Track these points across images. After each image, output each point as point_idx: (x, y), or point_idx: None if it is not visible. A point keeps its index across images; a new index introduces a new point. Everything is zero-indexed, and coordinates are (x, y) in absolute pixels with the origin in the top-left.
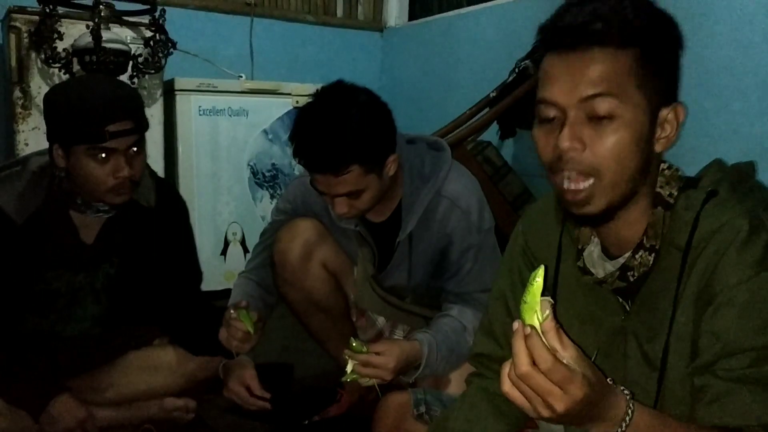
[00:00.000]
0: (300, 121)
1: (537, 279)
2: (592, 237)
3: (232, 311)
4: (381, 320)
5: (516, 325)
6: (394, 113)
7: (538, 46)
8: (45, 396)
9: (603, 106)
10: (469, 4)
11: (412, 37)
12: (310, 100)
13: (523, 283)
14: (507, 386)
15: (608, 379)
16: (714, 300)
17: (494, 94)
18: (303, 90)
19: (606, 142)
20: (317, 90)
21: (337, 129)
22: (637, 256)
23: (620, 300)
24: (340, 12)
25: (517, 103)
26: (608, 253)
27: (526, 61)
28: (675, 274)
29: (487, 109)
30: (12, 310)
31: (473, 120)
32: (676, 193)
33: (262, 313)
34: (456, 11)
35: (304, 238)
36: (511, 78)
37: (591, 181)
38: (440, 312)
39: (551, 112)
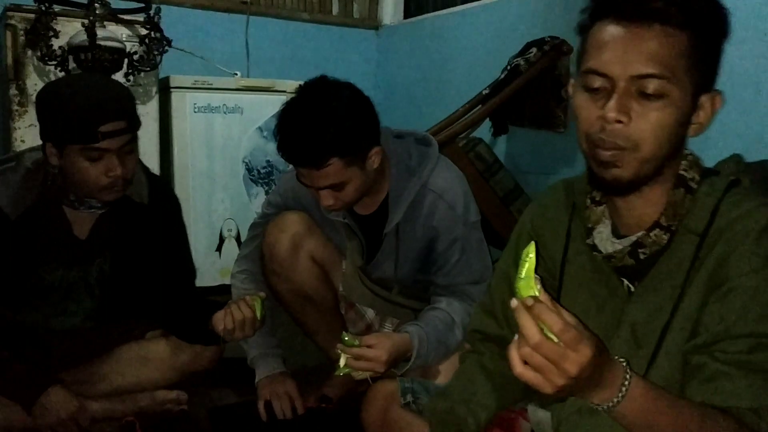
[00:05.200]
0: (282, 116)
1: (530, 255)
2: (604, 218)
3: (247, 297)
4: (370, 313)
5: (515, 302)
6: (389, 110)
7: (590, 8)
8: (38, 389)
9: (654, 85)
10: (463, 3)
11: (407, 35)
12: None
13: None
14: (519, 367)
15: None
16: (724, 284)
17: (487, 91)
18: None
19: (651, 118)
20: (300, 85)
21: (316, 123)
22: (652, 234)
23: (625, 283)
24: (335, 10)
25: (510, 100)
26: (618, 235)
27: (519, 59)
28: (688, 258)
29: (479, 106)
30: (5, 304)
31: (466, 117)
32: (698, 178)
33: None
34: (450, 9)
35: (292, 230)
36: (503, 75)
37: (627, 151)
38: (429, 305)
39: (598, 82)
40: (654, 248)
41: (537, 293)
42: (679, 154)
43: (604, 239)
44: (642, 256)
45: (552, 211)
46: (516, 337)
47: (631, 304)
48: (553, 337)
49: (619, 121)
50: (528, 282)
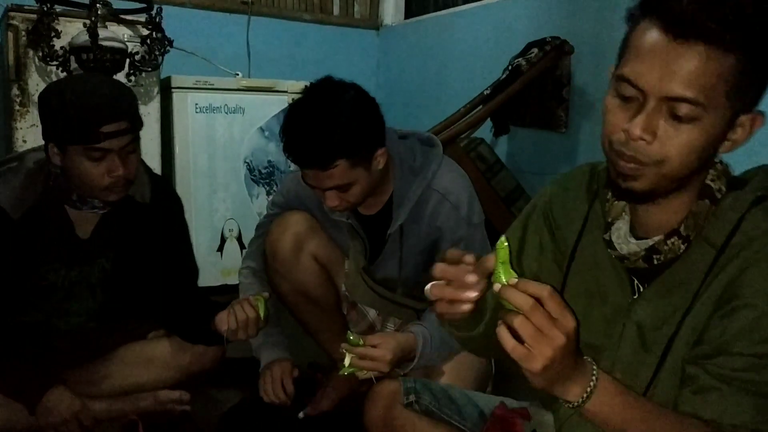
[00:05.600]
0: (288, 117)
1: (505, 243)
2: (624, 214)
3: (251, 297)
4: (372, 313)
5: (497, 286)
6: (391, 111)
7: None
8: (41, 388)
9: (686, 110)
10: (464, 3)
11: (408, 36)
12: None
13: (541, 244)
14: (511, 343)
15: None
16: (733, 300)
17: (488, 91)
18: (299, 88)
19: (678, 139)
20: (305, 86)
21: (323, 124)
22: (669, 242)
23: (634, 281)
24: (336, 10)
25: (511, 100)
26: (635, 233)
27: (520, 59)
28: (702, 269)
29: (480, 107)
30: (8, 304)
31: (467, 117)
32: (724, 189)
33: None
34: (451, 10)
35: (295, 230)
36: (504, 76)
37: (648, 167)
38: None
39: (630, 92)
40: (669, 256)
41: (516, 278)
42: (706, 166)
43: (621, 236)
44: (656, 261)
45: (572, 193)
46: (499, 322)
47: (638, 305)
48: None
49: (643, 138)
50: (506, 268)
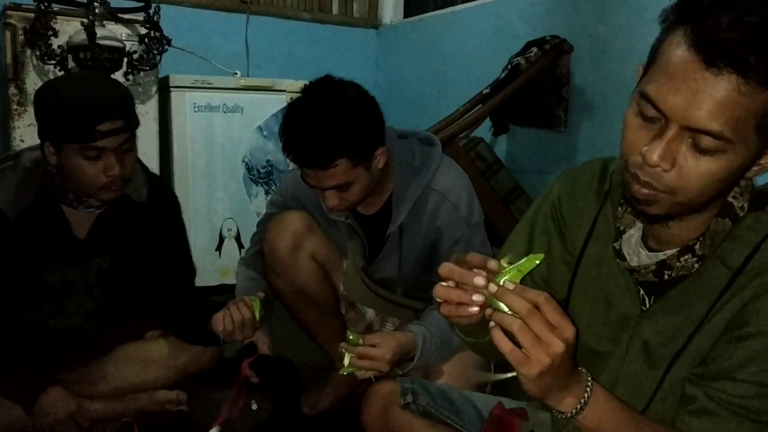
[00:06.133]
0: (288, 116)
1: (536, 261)
2: (637, 222)
3: (246, 297)
4: (371, 313)
5: (494, 287)
6: (390, 110)
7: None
8: (37, 389)
9: (708, 143)
10: (463, 2)
11: (407, 35)
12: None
13: (550, 244)
14: (508, 346)
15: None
16: (744, 327)
17: (487, 90)
18: (298, 87)
19: (698, 170)
20: (305, 85)
21: (324, 124)
22: (682, 259)
23: (641, 292)
24: (335, 9)
25: (510, 99)
26: (647, 243)
27: (519, 58)
28: (715, 290)
29: (480, 106)
30: (5, 304)
31: (466, 116)
32: (746, 207)
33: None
34: (450, 9)
35: (292, 229)
36: (504, 75)
37: (663, 194)
38: (431, 305)
39: (652, 113)
40: (681, 273)
41: (515, 282)
42: (729, 190)
43: (632, 246)
44: (666, 277)
45: (581, 192)
46: (492, 324)
47: (645, 319)
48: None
49: (660, 166)
50: (516, 276)
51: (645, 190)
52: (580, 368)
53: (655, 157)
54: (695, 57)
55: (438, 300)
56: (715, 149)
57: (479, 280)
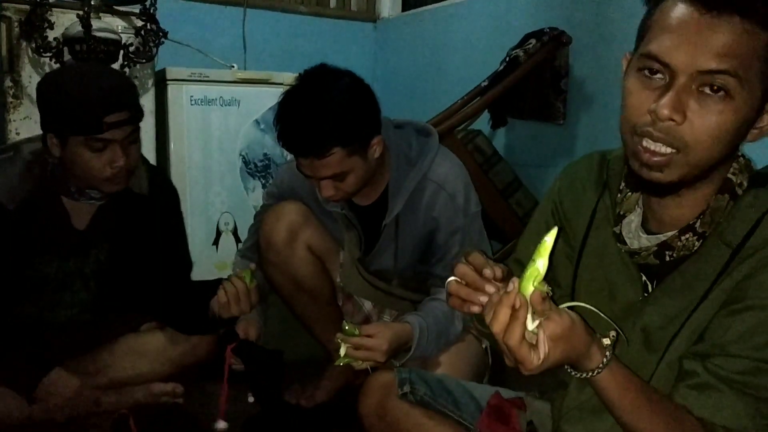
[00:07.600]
0: (283, 104)
1: (547, 238)
2: (637, 207)
3: (237, 270)
4: (368, 305)
5: (512, 286)
6: (388, 103)
7: None
8: (38, 373)
9: (722, 82)
10: None
11: (405, 28)
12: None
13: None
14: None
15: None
16: (741, 301)
17: (485, 83)
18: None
19: (709, 120)
20: (299, 74)
21: (319, 112)
22: (683, 238)
23: (643, 278)
24: (333, 2)
25: (509, 92)
26: (647, 227)
27: (518, 50)
28: (715, 269)
29: (478, 98)
30: (2, 296)
31: (464, 109)
32: (746, 185)
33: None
34: (448, 2)
35: (288, 220)
36: (502, 67)
37: (674, 150)
38: (428, 296)
39: (657, 69)
40: (682, 252)
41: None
42: (731, 158)
43: (632, 230)
44: (668, 258)
45: (580, 184)
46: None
47: (648, 306)
48: (529, 324)
49: (672, 119)
50: (527, 282)
51: (657, 151)
52: (598, 337)
53: (666, 110)
54: (695, 8)
55: (448, 291)
56: (726, 89)
57: (490, 288)
